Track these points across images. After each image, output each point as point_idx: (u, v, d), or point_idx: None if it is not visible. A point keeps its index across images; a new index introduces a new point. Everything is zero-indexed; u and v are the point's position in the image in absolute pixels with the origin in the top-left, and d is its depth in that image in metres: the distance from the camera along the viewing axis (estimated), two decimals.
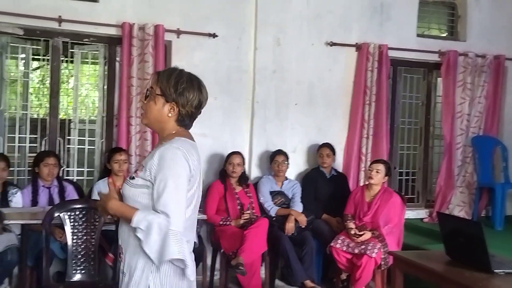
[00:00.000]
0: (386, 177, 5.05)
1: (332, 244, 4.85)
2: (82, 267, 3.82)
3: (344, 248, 4.81)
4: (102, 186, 4.70)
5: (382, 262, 4.68)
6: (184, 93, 2.12)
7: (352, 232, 4.85)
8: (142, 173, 2.10)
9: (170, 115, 2.14)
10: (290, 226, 5.01)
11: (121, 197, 2.18)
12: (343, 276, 4.98)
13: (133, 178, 2.13)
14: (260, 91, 5.52)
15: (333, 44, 5.74)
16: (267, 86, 5.54)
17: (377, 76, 5.79)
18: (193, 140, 2.21)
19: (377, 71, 5.79)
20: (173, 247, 1.98)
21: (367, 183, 5.16)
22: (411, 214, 5.98)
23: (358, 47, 5.83)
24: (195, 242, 2.26)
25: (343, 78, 5.84)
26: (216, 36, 5.32)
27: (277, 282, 5.13)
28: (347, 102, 5.87)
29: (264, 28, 5.48)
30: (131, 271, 2.11)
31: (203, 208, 4.90)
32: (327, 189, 5.49)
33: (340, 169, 5.81)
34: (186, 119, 2.18)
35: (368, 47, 5.76)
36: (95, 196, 4.59)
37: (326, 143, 5.60)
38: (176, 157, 2.05)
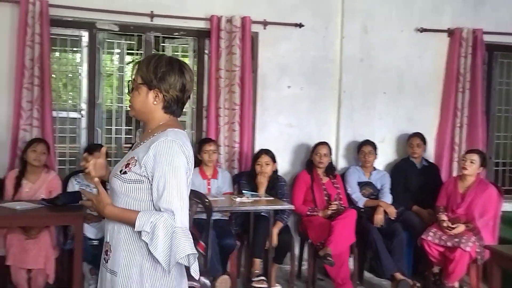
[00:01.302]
0: (481, 168, 4.82)
1: (423, 236, 4.72)
2: None
3: (436, 241, 4.66)
4: (193, 176, 4.83)
5: (478, 257, 4.48)
6: (165, 77, 2.04)
7: (445, 224, 4.68)
8: (136, 167, 2.00)
9: (155, 102, 2.06)
10: (379, 218, 4.92)
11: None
12: (435, 269, 4.83)
13: (125, 172, 2.02)
14: (347, 80, 5.44)
15: (423, 30, 5.54)
16: (354, 75, 5.46)
17: (471, 62, 5.54)
18: (183, 129, 2.12)
19: (471, 56, 5.53)
20: (184, 245, 1.91)
21: (460, 174, 4.96)
22: (509, 206, 5.65)
23: (451, 32, 5.59)
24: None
25: (434, 65, 5.63)
26: (303, 26, 5.30)
27: (366, 274, 5.06)
28: (438, 89, 5.65)
29: (351, 16, 5.39)
30: (121, 271, 2.01)
31: (290, 198, 4.93)
32: (417, 180, 5.34)
33: (431, 160, 5.62)
34: (173, 105, 2.08)
35: (462, 32, 5.51)
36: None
37: (417, 132, 5.44)
38: (173, 151, 1.97)
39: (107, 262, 2.08)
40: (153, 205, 2.00)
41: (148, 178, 1.99)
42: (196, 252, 1.95)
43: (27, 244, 4.11)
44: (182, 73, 2.07)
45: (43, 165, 4.46)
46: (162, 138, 1.99)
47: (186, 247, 1.91)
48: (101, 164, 2.20)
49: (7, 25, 4.60)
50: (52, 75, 4.92)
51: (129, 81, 2.13)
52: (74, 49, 5.07)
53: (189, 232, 1.97)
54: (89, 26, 4.89)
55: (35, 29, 4.54)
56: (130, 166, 2.02)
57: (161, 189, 1.95)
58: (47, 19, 4.59)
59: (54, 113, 4.84)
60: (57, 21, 4.75)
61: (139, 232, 1.95)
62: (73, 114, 5.07)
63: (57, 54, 5.04)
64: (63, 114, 5.04)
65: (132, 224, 1.96)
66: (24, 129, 4.59)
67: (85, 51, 4.96)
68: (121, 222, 2.02)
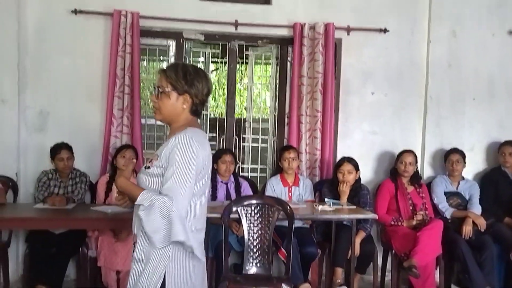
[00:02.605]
0: None
1: None
2: (257, 260, 3.99)
3: None
4: (274, 183, 4.87)
5: None
6: (194, 83, 2.22)
7: None
8: (157, 161, 2.16)
9: (184, 106, 2.23)
10: (467, 229, 4.71)
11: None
12: None
13: (148, 167, 2.19)
14: (433, 86, 5.27)
15: None
16: (442, 81, 5.27)
17: None
18: (201, 129, 2.30)
19: None
20: (178, 229, 2.06)
21: None
22: None
23: None
24: None
25: None
26: (387, 31, 5.20)
27: (453, 287, 4.87)
28: None
29: (439, 20, 5.22)
30: (145, 259, 2.16)
31: (373, 207, 4.84)
32: (510, 191, 5.07)
33: None
34: (198, 108, 2.28)
35: None
36: (269, 192, 4.78)
37: (509, 140, 5.17)
38: (188, 146, 2.12)
39: (133, 252, 2.22)
40: None
41: (166, 169, 2.14)
42: (188, 241, 2.09)
43: (116, 246, 4.29)
44: (207, 79, 2.28)
45: (132, 171, 4.64)
46: (181, 134, 2.16)
47: (179, 231, 2.07)
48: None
49: (101, 36, 4.84)
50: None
51: (154, 87, 2.27)
52: (163, 57, 5.25)
53: (184, 220, 2.10)
54: (177, 36, 5.05)
55: (126, 40, 4.75)
56: (153, 161, 2.21)
57: (168, 177, 2.11)
58: (137, 30, 4.79)
59: (143, 120, 5.03)
60: (147, 31, 4.94)
61: (136, 202, 2.11)
62: (160, 122, 5.23)
63: (144, 63, 5.24)
64: (151, 121, 5.22)
65: (135, 197, 2.13)
66: (115, 135, 4.80)
67: (172, 60, 5.12)
68: (129, 195, 2.20)
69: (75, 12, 4.77)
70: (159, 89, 2.24)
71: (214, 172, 4.84)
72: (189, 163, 2.11)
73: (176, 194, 2.08)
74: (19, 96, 4.70)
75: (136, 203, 2.13)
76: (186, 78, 2.21)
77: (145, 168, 2.22)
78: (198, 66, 2.35)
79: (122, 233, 4.31)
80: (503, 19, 5.28)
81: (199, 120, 2.41)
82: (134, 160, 4.56)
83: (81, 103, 4.87)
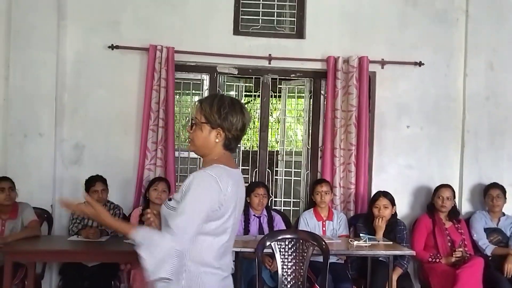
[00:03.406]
0: None
1: None
2: None
3: None
4: (308, 217, 4.80)
5: None
6: (227, 117, 2.14)
7: None
8: (176, 194, 2.12)
9: (217, 140, 2.16)
10: (510, 267, 4.57)
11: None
12: None
13: (170, 199, 2.15)
14: (471, 119, 5.17)
15: None
16: (479, 114, 5.17)
17: None
18: (234, 167, 2.20)
19: None
20: (168, 266, 1.97)
21: None
22: None
23: None
24: (232, 268, 2.24)
25: None
26: (422, 64, 5.15)
27: None
28: None
29: (475, 52, 5.16)
30: None
31: (410, 243, 4.71)
32: None
33: None
34: (232, 143, 2.19)
35: None
36: (302, 226, 4.71)
37: None
38: (203, 183, 2.05)
39: None
40: None
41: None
42: (170, 278, 1.99)
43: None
44: (243, 114, 2.19)
45: None
46: (201, 170, 2.11)
47: (167, 269, 1.97)
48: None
49: (137, 70, 4.93)
50: None
51: (190, 119, 2.21)
52: (196, 91, 5.29)
53: (182, 255, 2.02)
54: (210, 70, 5.10)
55: (161, 74, 4.82)
56: (174, 194, 2.19)
57: (179, 212, 2.02)
58: (172, 65, 4.86)
59: (176, 153, 5.05)
60: (181, 66, 5.01)
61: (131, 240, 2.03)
62: (193, 154, 5.24)
63: (178, 96, 5.28)
64: (184, 154, 5.24)
65: (124, 233, 2.07)
66: (148, 168, 4.83)
67: (206, 94, 5.16)
68: (116, 231, 2.16)
69: (112, 47, 4.87)
70: (194, 120, 2.21)
71: (247, 205, 4.81)
72: (201, 201, 2.05)
73: (179, 228, 2.01)
74: (55, 129, 4.79)
75: (133, 241, 2.04)
76: (220, 112, 2.14)
77: (168, 200, 2.19)
78: (236, 99, 2.26)
79: None
80: None
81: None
82: (165, 194, 4.56)
83: (116, 136, 4.93)
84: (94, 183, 4.52)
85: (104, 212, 2.17)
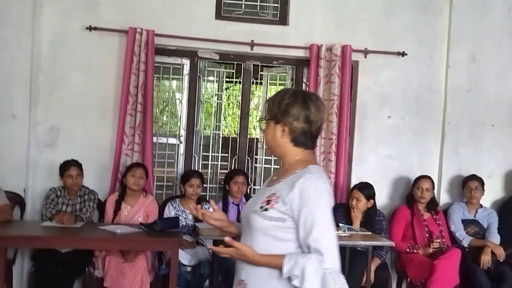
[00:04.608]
0: None
1: None
2: None
3: None
4: None
5: None
6: (287, 109, 2.00)
7: None
8: (280, 205, 1.94)
9: (282, 135, 2.03)
10: (486, 259, 4.59)
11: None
12: None
13: (266, 209, 1.96)
14: (452, 111, 5.17)
15: None
16: (460, 106, 5.17)
17: None
18: (318, 165, 2.09)
19: None
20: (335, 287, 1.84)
21: None
22: None
23: None
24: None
25: None
26: (406, 54, 5.12)
27: None
28: None
29: (458, 44, 5.14)
30: None
31: (388, 234, 4.71)
32: None
33: None
34: (300, 137, 2.03)
35: None
36: None
37: None
38: (319, 189, 1.92)
39: None
40: (295, 245, 1.94)
41: (293, 217, 1.93)
42: None
43: (124, 267, 4.19)
44: (305, 104, 2.01)
45: (142, 189, 4.56)
46: (307, 175, 1.94)
47: None
48: (220, 216, 2.20)
49: (115, 53, 4.80)
50: None
51: (261, 118, 2.13)
52: (175, 76, 5.19)
53: (340, 274, 1.89)
54: (191, 54, 4.99)
55: (141, 57, 4.70)
56: (272, 203, 1.97)
57: (309, 228, 1.89)
58: (152, 48, 4.74)
59: (154, 139, 4.95)
60: (161, 49, 4.89)
61: (288, 277, 1.88)
62: (172, 140, 5.17)
63: (156, 81, 5.17)
64: (163, 139, 5.15)
65: (279, 268, 1.90)
66: (126, 154, 4.72)
67: (186, 78, 5.06)
68: (265, 266, 1.96)
69: (90, 29, 4.74)
70: (261, 118, 2.13)
71: (226, 193, 4.77)
72: (327, 209, 1.92)
73: (325, 247, 1.87)
74: (30, 111, 4.65)
75: (284, 276, 1.89)
76: (280, 104, 2.02)
77: (261, 208, 1.98)
78: (307, 91, 2.10)
79: (130, 253, 4.22)
80: None
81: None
82: (143, 180, 4.48)
83: (93, 120, 4.81)
84: (69, 167, 4.41)
85: (249, 249, 1.97)
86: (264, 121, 2.08)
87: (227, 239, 1.99)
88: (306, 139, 2.04)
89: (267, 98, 2.14)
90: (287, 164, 2.06)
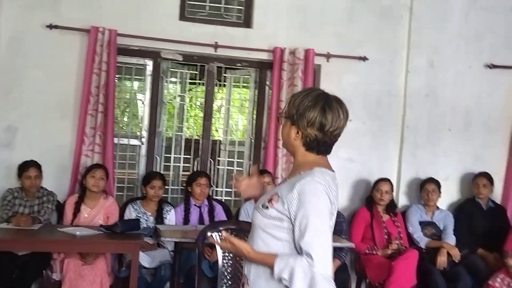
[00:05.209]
0: None
1: (490, 282, 4.49)
2: None
3: None
4: (249, 208, 4.77)
5: None
6: (304, 113, 1.93)
7: None
8: (279, 205, 1.93)
9: (295, 138, 1.98)
10: (442, 260, 4.70)
11: None
12: None
13: (267, 207, 1.96)
14: (411, 116, 5.28)
15: (493, 66, 5.34)
16: (419, 111, 5.29)
17: None
18: (332, 170, 2.01)
19: None
20: None
21: None
22: None
23: None
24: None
25: (504, 103, 5.41)
26: (367, 59, 5.21)
27: None
28: (507, 128, 5.43)
29: (418, 50, 5.26)
30: None
31: (348, 236, 4.78)
32: (483, 222, 5.09)
33: (498, 201, 5.34)
34: (312, 143, 1.97)
35: None
36: (243, 217, 4.67)
37: (484, 172, 5.21)
38: (318, 192, 1.88)
39: None
40: (290, 246, 1.93)
41: (290, 218, 1.91)
42: None
43: (83, 270, 4.12)
44: (323, 112, 1.94)
45: (102, 191, 4.49)
46: (308, 177, 1.91)
47: None
48: (254, 184, 2.25)
49: (76, 52, 4.72)
50: None
51: (280, 112, 2.09)
52: (138, 76, 5.14)
53: (330, 280, 1.87)
54: (154, 55, 4.96)
55: (102, 57, 4.64)
56: (272, 202, 1.96)
57: (303, 230, 1.86)
58: (114, 48, 4.68)
59: (115, 140, 4.89)
60: (124, 49, 4.84)
61: (275, 275, 1.90)
62: (133, 141, 5.12)
63: (118, 81, 5.12)
64: (124, 140, 5.09)
65: (269, 266, 1.91)
66: (86, 154, 4.65)
67: (148, 79, 5.02)
68: (260, 264, 1.97)
69: (51, 27, 4.65)
70: (280, 114, 2.08)
71: (187, 195, 4.75)
72: (322, 213, 1.89)
73: (316, 252, 1.84)
74: None
75: (274, 276, 1.89)
76: (299, 106, 1.94)
77: (262, 206, 1.99)
78: (332, 96, 2.01)
79: (89, 256, 4.14)
80: (480, 52, 5.36)
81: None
82: (103, 181, 4.42)
83: (52, 120, 4.72)
84: (28, 168, 4.31)
85: (245, 246, 1.98)
86: (283, 117, 2.04)
87: (224, 234, 2.02)
88: (319, 146, 1.99)
89: (293, 93, 2.09)
90: (296, 164, 2.04)
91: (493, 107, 5.40)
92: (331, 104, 1.96)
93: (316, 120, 1.93)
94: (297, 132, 1.97)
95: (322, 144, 1.98)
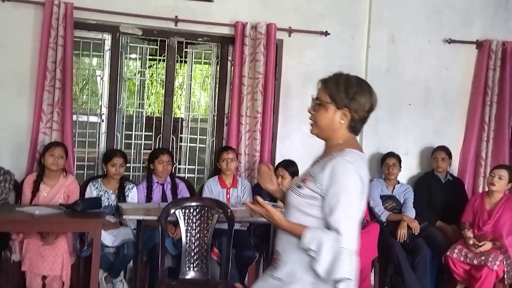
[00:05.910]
0: (510, 184, 4.69)
1: (448, 253, 4.62)
2: (195, 264, 3.87)
3: (462, 259, 4.55)
4: (212, 184, 4.76)
5: (505, 276, 4.35)
6: (356, 97, 2.07)
7: (471, 242, 4.57)
8: (312, 184, 2.05)
9: (342, 121, 2.10)
10: (402, 233, 4.80)
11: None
12: (459, 287, 4.69)
13: (300, 187, 2.09)
14: None
15: (451, 41, 5.42)
16: (380, 86, 5.18)
17: (499, 75, 5.40)
18: (362, 151, 2.14)
19: (500, 69, 5.40)
20: (344, 266, 1.94)
21: (487, 189, 4.83)
22: None
23: (479, 44, 5.47)
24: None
25: (461, 77, 5.51)
26: (328, 34, 5.20)
27: None
28: (465, 102, 5.54)
29: (378, 25, 5.29)
30: (289, 282, 2.09)
31: None
32: (442, 195, 5.20)
33: (456, 174, 5.48)
34: (358, 125, 2.13)
35: (491, 44, 5.38)
36: (206, 194, 4.66)
37: (442, 146, 5.31)
38: (349, 172, 2.00)
39: (275, 269, 2.17)
40: (323, 223, 2.04)
41: (322, 196, 2.03)
42: (353, 279, 1.97)
43: (43, 250, 4.05)
44: (370, 94, 2.11)
45: (61, 169, 4.39)
46: (339, 157, 2.03)
47: (345, 269, 1.94)
48: (273, 179, 2.49)
49: (30, 26, 4.55)
50: None
51: (313, 99, 2.14)
52: (96, 52, 5.00)
53: (356, 255, 1.97)
54: (113, 29, 4.83)
55: (59, 31, 4.48)
56: (306, 181, 2.08)
57: (332, 207, 1.99)
58: (71, 22, 4.53)
59: (74, 117, 4.77)
60: (81, 23, 4.69)
61: (302, 245, 2.01)
62: (93, 118, 5.00)
63: (75, 57, 4.98)
64: (83, 118, 4.97)
65: (297, 236, 2.03)
66: (44, 132, 4.53)
67: (107, 55, 4.90)
68: (288, 232, 2.09)
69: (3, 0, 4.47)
70: (317, 100, 2.12)
71: (150, 172, 4.69)
72: (351, 192, 2.00)
73: (343, 228, 1.96)
74: None
75: (302, 246, 2.01)
76: (348, 91, 2.07)
77: (296, 186, 2.11)
78: (363, 79, 2.16)
79: (50, 236, 4.07)
80: (439, 27, 5.43)
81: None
82: (62, 159, 4.32)
83: (8, 97, 4.56)
84: None
85: (278, 213, 2.11)
86: (318, 102, 2.11)
87: (259, 199, 2.14)
88: (360, 126, 2.15)
89: (322, 79, 2.15)
90: (328, 145, 2.16)
91: (451, 82, 5.49)
92: (370, 87, 2.14)
93: (367, 102, 2.09)
94: (345, 115, 2.08)
95: (363, 124, 2.16)
